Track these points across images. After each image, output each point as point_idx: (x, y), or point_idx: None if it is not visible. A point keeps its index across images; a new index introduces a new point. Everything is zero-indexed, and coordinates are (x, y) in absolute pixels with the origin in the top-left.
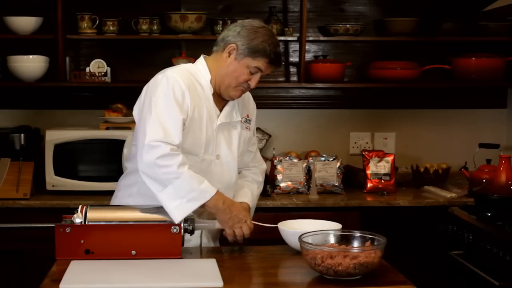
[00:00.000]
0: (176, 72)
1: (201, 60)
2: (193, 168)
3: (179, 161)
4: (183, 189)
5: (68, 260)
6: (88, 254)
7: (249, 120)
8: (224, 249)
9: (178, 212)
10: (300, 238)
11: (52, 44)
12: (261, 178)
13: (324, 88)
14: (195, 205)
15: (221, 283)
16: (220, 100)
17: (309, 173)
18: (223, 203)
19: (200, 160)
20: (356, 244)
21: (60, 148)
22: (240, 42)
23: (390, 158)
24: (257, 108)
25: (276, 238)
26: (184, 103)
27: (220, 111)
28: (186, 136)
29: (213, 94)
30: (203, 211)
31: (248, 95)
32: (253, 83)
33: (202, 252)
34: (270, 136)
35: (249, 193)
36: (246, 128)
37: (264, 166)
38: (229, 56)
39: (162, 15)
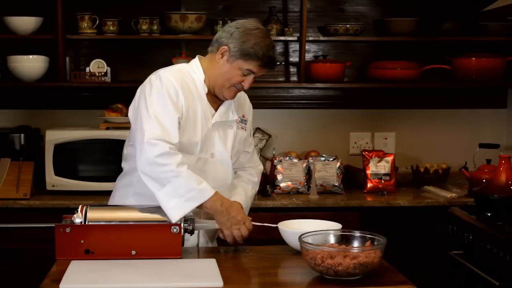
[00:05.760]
0: (169, 72)
1: (196, 60)
2: (189, 167)
3: (178, 160)
4: (182, 188)
5: (68, 260)
6: (88, 254)
7: (245, 120)
8: (224, 249)
9: (175, 211)
10: (300, 238)
11: (52, 44)
12: (256, 179)
13: (324, 88)
14: (193, 205)
15: (221, 283)
16: (216, 99)
17: (309, 173)
18: (221, 205)
19: (195, 159)
20: (356, 244)
21: (60, 148)
22: (232, 44)
23: (390, 158)
24: (257, 108)
25: (276, 238)
26: (179, 102)
27: (216, 110)
28: (182, 135)
29: (208, 94)
30: (198, 211)
31: (244, 96)
32: (246, 85)
33: (201, 252)
34: (270, 136)
35: (242, 193)
36: (242, 128)
37: (260, 167)
38: (222, 57)
39: (162, 15)
